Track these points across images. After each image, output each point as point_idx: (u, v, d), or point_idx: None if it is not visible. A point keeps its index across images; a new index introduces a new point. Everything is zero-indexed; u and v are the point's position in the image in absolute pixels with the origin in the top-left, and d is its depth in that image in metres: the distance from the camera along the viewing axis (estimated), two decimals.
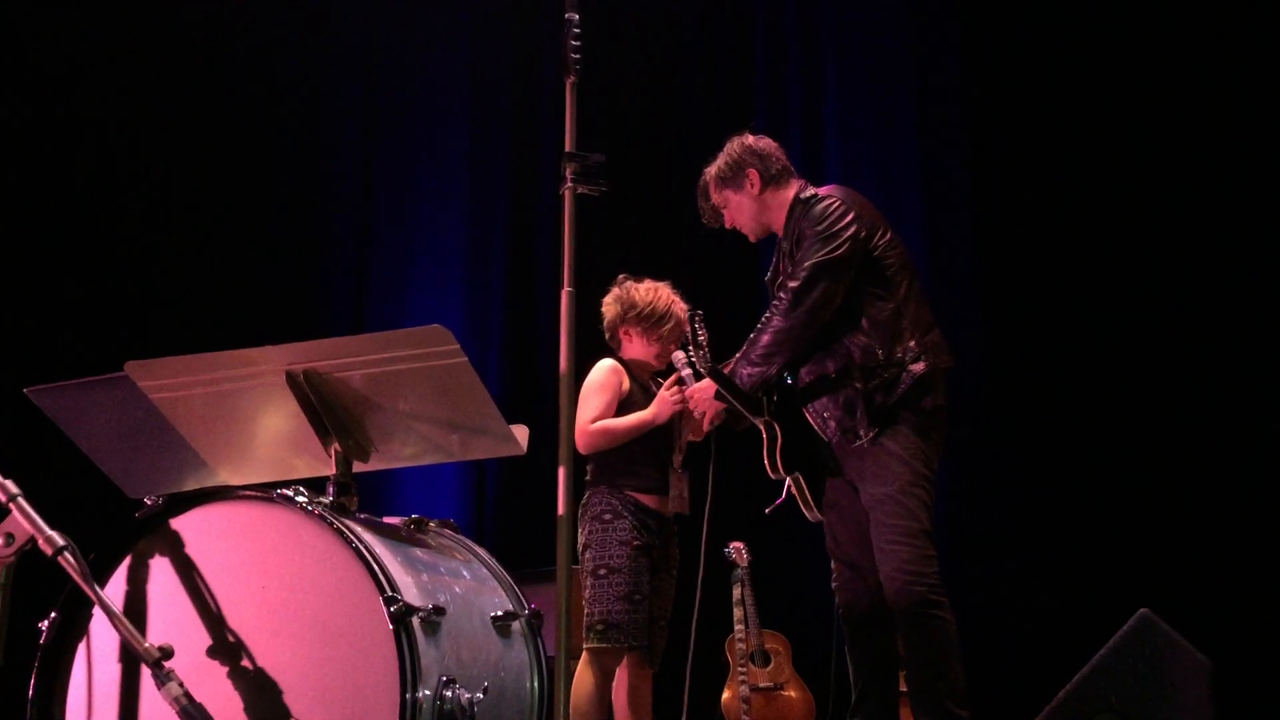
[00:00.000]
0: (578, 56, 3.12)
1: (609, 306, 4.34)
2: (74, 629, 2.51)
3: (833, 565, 3.97)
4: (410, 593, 2.41)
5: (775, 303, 3.76)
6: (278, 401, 2.64)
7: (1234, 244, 5.97)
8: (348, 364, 2.59)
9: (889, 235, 3.80)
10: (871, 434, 3.65)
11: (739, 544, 5.72)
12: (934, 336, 3.76)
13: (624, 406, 4.20)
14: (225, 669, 2.39)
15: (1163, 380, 5.93)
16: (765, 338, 3.72)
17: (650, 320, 4.27)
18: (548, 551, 4.65)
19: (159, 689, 2.16)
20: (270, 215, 6.77)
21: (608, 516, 4.09)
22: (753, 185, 3.99)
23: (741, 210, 4.04)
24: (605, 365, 4.25)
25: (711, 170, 4.09)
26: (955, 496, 6.23)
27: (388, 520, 2.78)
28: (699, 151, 6.92)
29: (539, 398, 6.31)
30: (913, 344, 3.68)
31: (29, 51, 6.25)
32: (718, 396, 3.88)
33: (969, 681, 3.56)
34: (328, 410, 2.65)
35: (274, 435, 2.74)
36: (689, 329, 4.14)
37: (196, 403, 2.66)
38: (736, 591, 5.69)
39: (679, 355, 4.16)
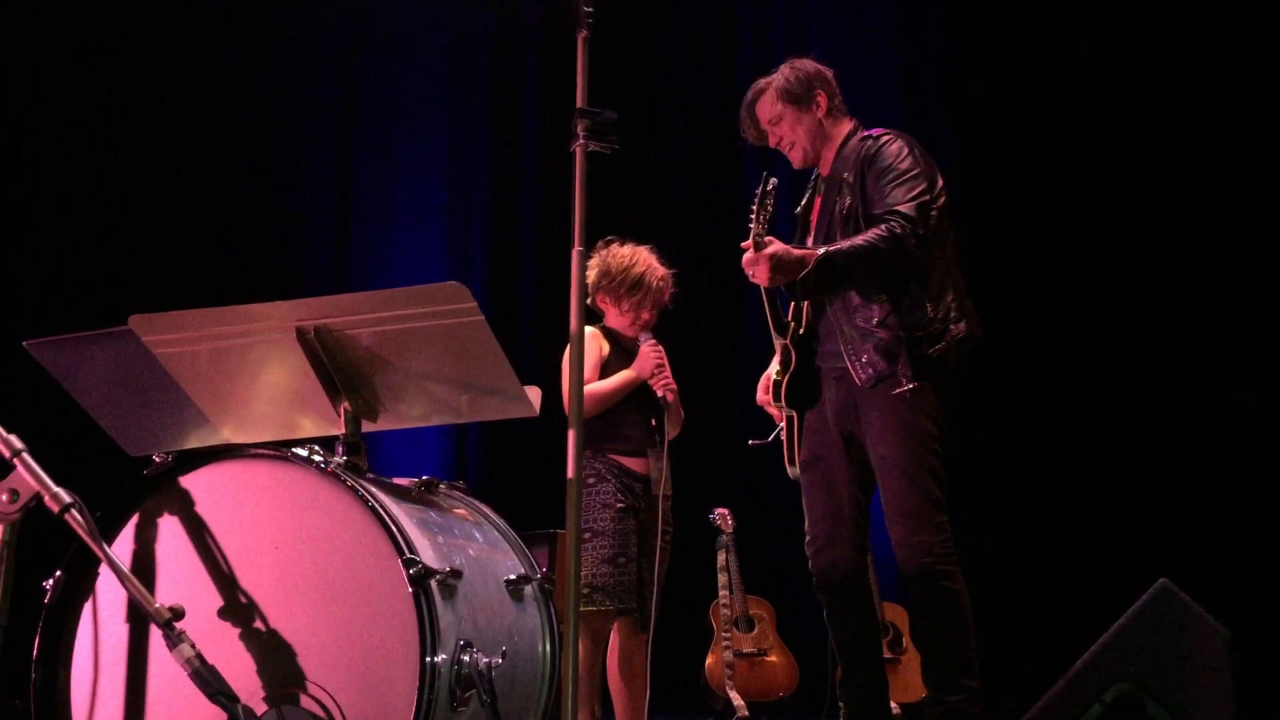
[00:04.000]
0: (590, 10, 3.04)
1: (589, 271, 4.25)
2: (80, 589, 2.44)
3: (806, 527, 3.84)
4: (428, 555, 2.36)
5: (888, 227, 3.52)
6: (286, 358, 2.58)
7: (1236, 215, 6.04)
8: (360, 321, 2.52)
9: (940, 187, 3.69)
10: (912, 384, 3.53)
11: (723, 510, 5.71)
12: (969, 303, 3.68)
13: (603, 373, 4.18)
14: (237, 631, 2.33)
15: (1184, 345, 6.01)
16: (868, 256, 3.50)
17: (622, 289, 4.21)
18: (531, 514, 4.63)
19: (170, 650, 2.11)
20: (249, 175, 6.68)
21: (591, 480, 4.08)
22: (819, 108, 3.83)
23: (801, 130, 3.85)
24: (585, 331, 4.19)
25: (776, 81, 3.88)
26: (975, 463, 6.29)
27: (398, 481, 2.72)
28: (682, 116, 6.89)
29: (520, 359, 6.26)
30: (953, 303, 3.61)
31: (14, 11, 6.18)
32: (794, 293, 3.71)
33: (988, 652, 3.54)
34: (338, 368, 2.59)
35: (280, 393, 2.68)
36: (759, 192, 3.81)
37: (202, 358, 2.59)
38: (721, 557, 5.68)
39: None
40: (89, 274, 6.08)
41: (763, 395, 4.06)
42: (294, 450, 2.45)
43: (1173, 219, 6.18)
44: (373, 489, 2.39)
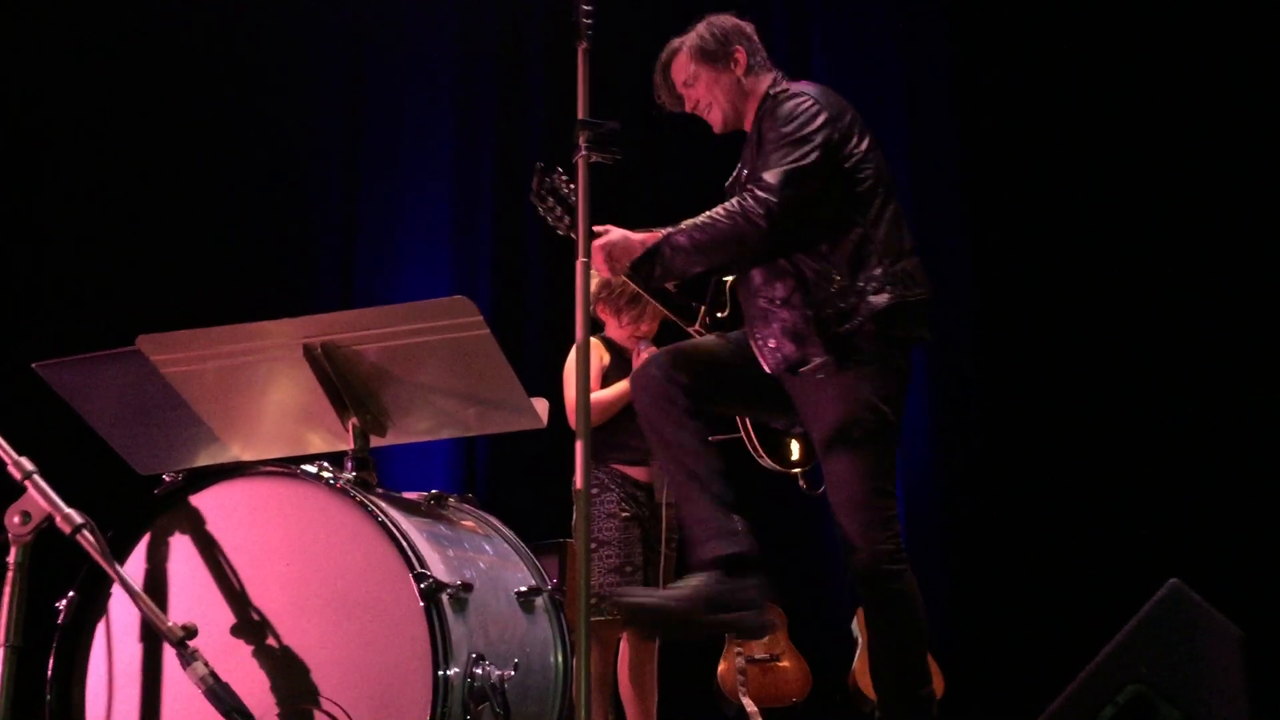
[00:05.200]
0: (589, 22, 3.05)
1: (592, 283, 4.28)
2: (93, 608, 2.45)
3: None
4: (438, 569, 2.37)
5: (739, 200, 3.21)
6: (293, 375, 2.59)
7: (1244, 213, 6.05)
8: (367, 336, 2.54)
9: (865, 145, 3.29)
10: (824, 363, 3.17)
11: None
12: (908, 265, 3.27)
13: (604, 383, 4.22)
14: (250, 648, 2.34)
15: (1195, 343, 6.01)
16: (716, 233, 3.19)
17: (621, 300, 4.26)
18: (540, 525, 4.63)
19: (184, 669, 2.12)
20: (255, 193, 6.69)
21: (595, 490, 4.12)
22: (737, 65, 3.47)
23: (718, 91, 3.49)
24: None
25: (689, 40, 3.52)
26: (984, 464, 6.30)
27: (407, 495, 2.73)
28: (685, 127, 6.89)
29: (526, 371, 6.26)
30: (878, 271, 3.19)
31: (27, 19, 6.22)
32: (636, 278, 3.42)
33: (1001, 654, 3.44)
34: (345, 384, 2.60)
35: (289, 409, 2.69)
36: (534, 185, 3.55)
37: (210, 377, 2.60)
38: None
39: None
40: (96, 295, 6.10)
41: None
42: (303, 467, 2.46)
43: (1179, 217, 6.17)
44: (382, 504, 2.40)
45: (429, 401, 2.68)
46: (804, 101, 3.27)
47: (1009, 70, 6.61)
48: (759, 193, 3.15)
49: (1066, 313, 6.34)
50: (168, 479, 2.52)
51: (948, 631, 6.03)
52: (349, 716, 2.27)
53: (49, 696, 2.43)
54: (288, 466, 2.47)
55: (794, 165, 3.16)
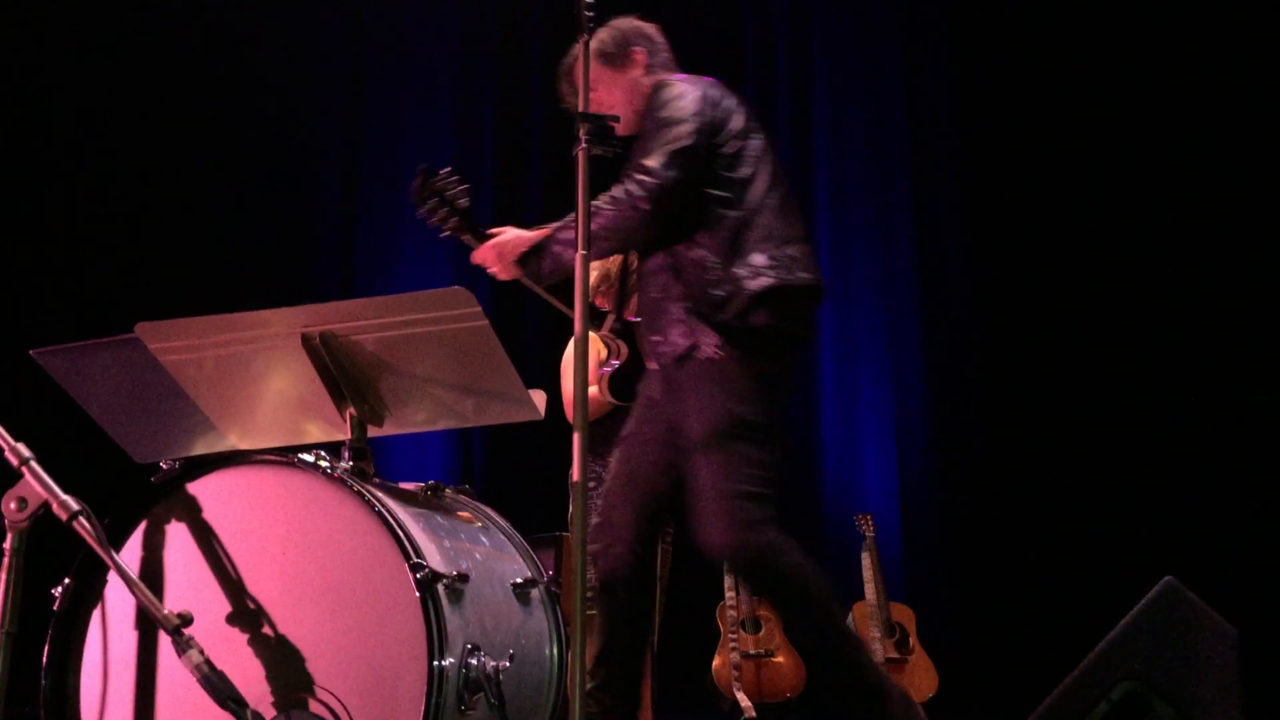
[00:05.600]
0: (591, 14, 3.04)
1: (591, 273, 4.28)
2: (88, 596, 2.46)
3: (598, 514, 3.33)
4: (434, 559, 2.37)
5: (613, 188, 3.16)
6: (291, 364, 2.59)
7: (1243, 212, 6.06)
8: (365, 326, 2.53)
9: (746, 131, 3.25)
10: (693, 350, 3.10)
11: None
12: (793, 250, 3.18)
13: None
14: (245, 636, 2.34)
15: (1190, 342, 6.02)
16: (599, 221, 3.12)
17: (608, 290, 4.27)
18: (536, 518, 4.63)
19: (179, 657, 2.12)
20: (254, 182, 6.70)
21: (591, 484, 4.10)
22: (636, 68, 3.44)
23: (617, 92, 3.44)
24: None
25: (590, 45, 3.51)
26: (980, 461, 6.31)
27: (404, 485, 2.73)
28: None
29: (525, 363, 6.26)
30: (757, 258, 3.11)
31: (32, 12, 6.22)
32: (529, 276, 3.33)
33: (996, 651, 3.42)
34: (343, 374, 2.60)
35: (286, 399, 2.69)
36: (416, 187, 3.40)
37: (207, 365, 2.60)
38: None
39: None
40: (95, 282, 6.10)
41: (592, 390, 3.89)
42: (300, 456, 2.46)
43: (1178, 216, 6.18)
44: (379, 494, 2.40)
45: (426, 392, 2.68)
46: (676, 87, 3.26)
47: (1009, 70, 6.62)
48: (639, 176, 3.11)
49: (1064, 312, 6.35)
50: (165, 467, 2.52)
51: (944, 628, 6.04)
52: (344, 706, 2.27)
53: (44, 683, 2.43)
54: (285, 455, 2.47)
55: (671, 146, 3.13)
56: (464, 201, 3.35)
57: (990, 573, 6.15)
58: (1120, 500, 5.96)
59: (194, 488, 2.48)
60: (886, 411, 6.76)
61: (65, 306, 5.94)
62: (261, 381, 2.65)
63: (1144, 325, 6.15)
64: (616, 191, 3.14)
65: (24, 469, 2.19)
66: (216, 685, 2.10)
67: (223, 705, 2.07)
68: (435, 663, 2.24)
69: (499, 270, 3.31)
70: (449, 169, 3.36)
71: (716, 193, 3.17)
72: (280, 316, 2.53)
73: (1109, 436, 6.08)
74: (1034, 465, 6.22)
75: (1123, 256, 6.27)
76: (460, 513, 2.80)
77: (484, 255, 3.32)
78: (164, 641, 2.34)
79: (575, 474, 2.72)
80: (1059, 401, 6.25)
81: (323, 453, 2.49)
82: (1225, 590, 3.02)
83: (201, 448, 2.76)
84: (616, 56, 3.45)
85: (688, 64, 7.08)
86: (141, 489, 2.50)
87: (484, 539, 2.75)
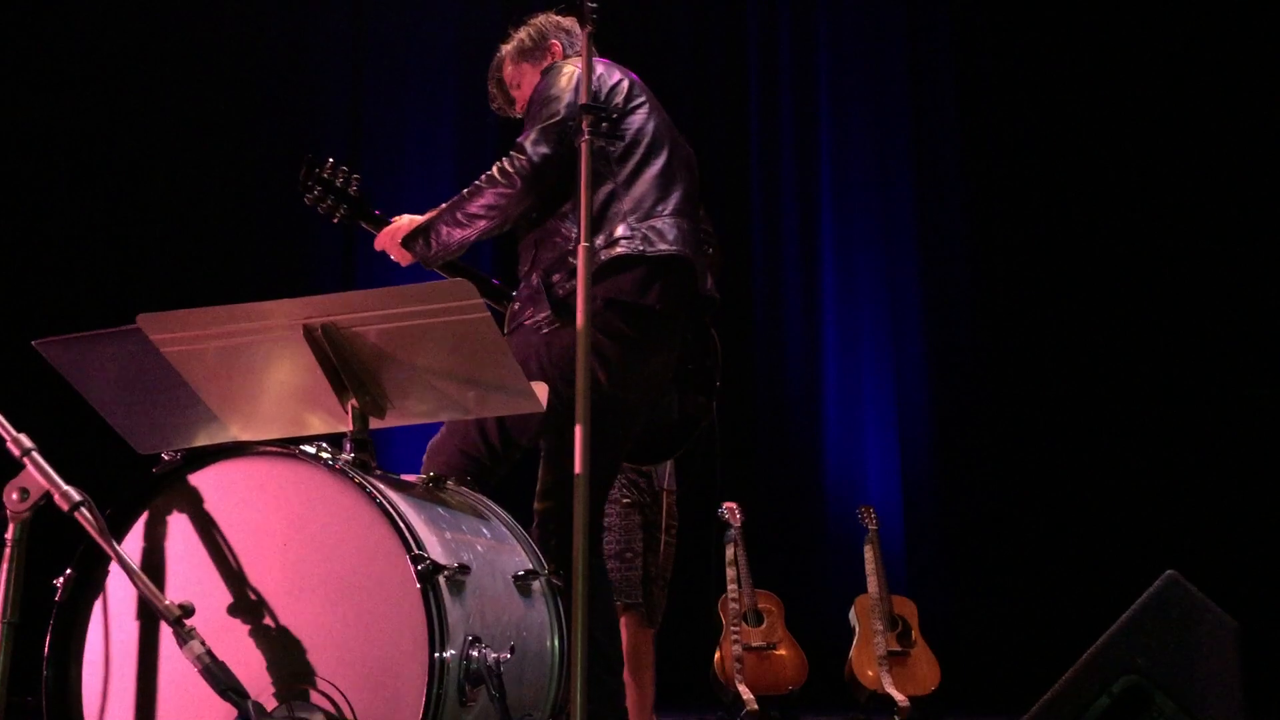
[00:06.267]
0: (595, 5, 3.05)
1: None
2: (90, 586, 2.45)
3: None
4: (436, 551, 2.37)
5: (497, 164, 3.22)
6: (293, 356, 2.58)
7: (1251, 209, 6.06)
8: (367, 318, 2.53)
9: (626, 104, 3.30)
10: (551, 327, 3.13)
11: (732, 504, 5.72)
12: (659, 223, 3.19)
13: None
14: (246, 628, 2.34)
15: (1194, 338, 6.02)
16: (478, 200, 3.19)
17: None
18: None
19: (180, 647, 2.13)
20: (256, 174, 6.70)
21: None
22: (554, 58, 3.52)
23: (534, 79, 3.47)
24: None
25: (509, 46, 3.61)
26: (984, 455, 6.31)
27: (405, 477, 2.73)
28: (690, 107, 6.89)
29: None
30: (618, 230, 3.14)
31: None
32: (419, 258, 3.38)
33: (997, 644, 3.41)
34: (345, 365, 2.59)
35: (288, 390, 2.68)
36: (302, 178, 3.44)
37: (210, 356, 2.60)
38: (730, 551, 5.69)
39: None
40: (97, 273, 6.11)
41: None
42: (302, 448, 2.46)
43: (1181, 215, 6.19)
44: (380, 486, 2.40)
45: (429, 384, 2.67)
46: (558, 67, 3.32)
47: (1013, 63, 6.62)
48: (513, 154, 3.19)
49: (1067, 306, 6.36)
50: (166, 458, 2.52)
51: (946, 621, 6.05)
52: (344, 697, 2.27)
53: (46, 673, 2.43)
54: (286, 447, 2.47)
55: (542, 123, 3.19)
56: (354, 190, 3.45)
57: (992, 566, 6.16)
58: (1122, 494, 5.97)
59: (195, 479, 2.48)
60: (889, 405, 6.76)
61: (67, 297, 5.95)
62: (263, 373, 2.65)
63: (1147, 320, 6.16)
64: (493, 170, 3.21)
65: (26, 459, 2.20)
66: (217, 676, 2.10)
67: (224, 696, 2.08)
68: (436, 655, 2.23)
69: (397, 255, 3.41)
70: (332, 160, 3.43)
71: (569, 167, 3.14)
72: (282, 308, 2.52)
73: (1111, 430, 6.10)
74: (1036, 459, 6.23)
75: (1126, 251, 6.28)
76: (462, 505, 2.80)
77: (381, 242, 3.43)
78: (165, 632, 2.34)
79: (578, 466, 2.73)
80: (1061, 395, 6.25)
81: (324, 444, 2.48)
82: (1227, 584, 3.02)
83: (203, 439, 2.76)
84: (534, 50, 3.57)
85: (691, 62, 7.13)
86: (143, 480, 2.49)
87: (485, 531, 2.75)
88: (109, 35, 6.38)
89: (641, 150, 3.28)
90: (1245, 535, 5.58)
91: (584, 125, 2.93)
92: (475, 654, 2.33)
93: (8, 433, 2.21)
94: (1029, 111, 6.56)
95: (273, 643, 2.32)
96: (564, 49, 3.55)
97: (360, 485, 2.37)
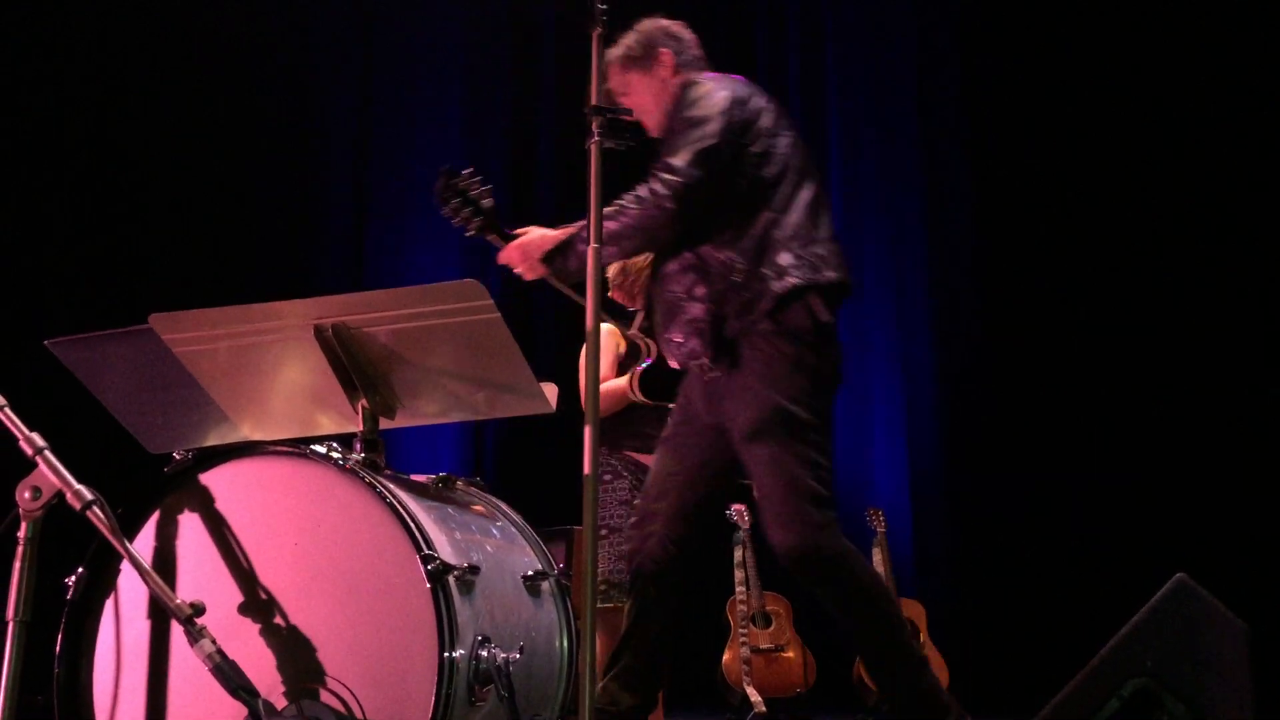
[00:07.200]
0: (604, 7, 3.04)
1: (610, 267, 4.30)
2: (102, 585, 2.47)
3: (636, 512, 3.39)
4: (445, 551, 2.37)
5: (639, 187, 3.15)
6: (304, 356, 2.59)
7: (1248, 211, 6.05)
8: (378, 318, 2.54)
9: (774, 130, 3.23)
10: (721, 365, 3.11)
11: (740, 506, 5.70)
12: (821, 250, 3.15)
13: (620, 370, 4.21)
14: (257, 627, 2.35)
15: (1204, 339, 6.01)
16: (621, 221, 3.11)
17: (635, 287, 4.26)
18: (548, 510, 4.63)
19: (191, 646, 2.13)
20: (267, 175, 6.71)
21: (607, 476, 4.12)
22: (663, 68, 3.42)
23: (647, 95, 3.41)
24: (601, 329, 4.22)
25: (617, 51, 3.45)
26: (992, 458, 6.30)
27: (415, 478, 2.73)
28: None
29: (538, 356, 6.28)
30: (784, 258, 3.08)
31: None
32: (555, 274, 3.31)
33: (1007, 648, 3.39)
34: (355, 366, 2.61)
35: (299, 390, 2.70)
36: (439, 188, 3.36)
37: (221, 356, 2.61)
38: (738, 553, 5.68)
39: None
40: (109, 273, 6.13)
41: (624, 384, 3.98)
42: (312, 447, 2.47)
43: (1188, 214, 6.18)
44: (391, 486, 2.41)
45: (439, 384, 2.68)
46: (704, 86, 3.24)
47: (1021, 67, 6.62)
48: (664, 175, 3.10)
49: (1075, 308, 6.35)
50: (178, 457, 2.53)
51: (954, 624, 6.04)
52: (354, 696, 2.28)
53: (57, 671, 2.44)
54: (297, 447, 2.48)
55: (697, 145, 3.11)
56: (488, 201, 3.34)
57: (1000, 569, 6.15)
58: (1131, 497, 5.96)
59: (206, 478, 2.49)
60: (897, 407, 6.76)
61: (79, 297, 5.97)
62: (274, 373, 2.66)
63: (1155, 320, 6.15)
64: (641, 190, 3.12)
65: (38, 458, 2.20)
66: (228, 674, 2.11)
67: (234, 694, 2.08)
68: (445, 654, 2.24)
69: (525, 270, 3.30)
70: (470, 170, 3.34)
71: (744, 193, 3.14)
72: (293, 308, 2.53)
73: (1120, 432, 6.08)
74: (1045, 461, 6.22)
75: (1134, 252, 6.27)
76: (472, 505, 2.80)
77: (509, 256, 3.31)
78: (176, 631, 2.35)
79: (587, 467, 2.74)
80: (1070, 398, 6.24)
81: (335, 444, 2.49)
82: (1237, 587, 3.02)
83: (214, 438, 2.78)
84: (643, 59, 3.43)
85: (698, 29, 7.03)
86: (154, 479, 2.51)
87: (495, 531, 2.75)
88: (118, 36, 6.39)
89: (794, 175, 3.22)
90: (1255, 538, 5.56)
91: (594, 127, 2.93)
92: (484, 654, 2.34)
93: (21, 432, 2.22)
94: (1039, 115, 6.55)
95: (283, 641, 2.33)
96: (675, 58, 3.44)
97: (370, 485, 2.38)
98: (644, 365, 4.12)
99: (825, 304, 3.12)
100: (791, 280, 3.06)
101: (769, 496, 3.07)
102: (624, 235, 3.12)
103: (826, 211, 3.27)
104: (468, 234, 3.42)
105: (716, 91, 3.20)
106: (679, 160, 3.10)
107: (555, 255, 3.26)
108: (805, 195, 3.21)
